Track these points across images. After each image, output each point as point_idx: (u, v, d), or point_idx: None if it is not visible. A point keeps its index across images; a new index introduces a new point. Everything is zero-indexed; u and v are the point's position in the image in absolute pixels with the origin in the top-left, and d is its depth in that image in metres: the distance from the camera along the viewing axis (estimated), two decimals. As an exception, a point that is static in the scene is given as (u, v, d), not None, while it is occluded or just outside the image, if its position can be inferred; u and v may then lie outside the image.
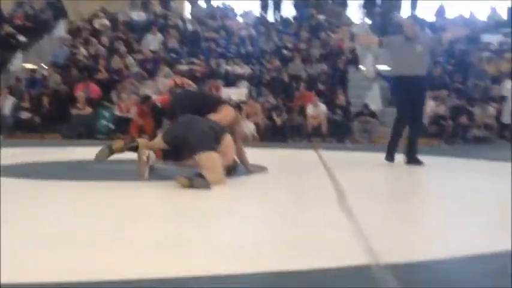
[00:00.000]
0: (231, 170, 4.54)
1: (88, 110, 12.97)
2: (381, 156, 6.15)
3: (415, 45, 5.98)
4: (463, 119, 12.50)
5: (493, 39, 16.40)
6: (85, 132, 12.71)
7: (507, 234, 2.57)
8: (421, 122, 6.43)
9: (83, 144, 9.80)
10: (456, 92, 13.43)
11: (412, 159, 6.00)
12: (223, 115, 4.63)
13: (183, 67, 14.69)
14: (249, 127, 4.80)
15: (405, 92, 5.97)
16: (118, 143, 4.55)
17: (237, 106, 12.08)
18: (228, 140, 4.37)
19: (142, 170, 4.33)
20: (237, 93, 13.74)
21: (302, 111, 12.62)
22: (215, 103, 4.82)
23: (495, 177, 5.13)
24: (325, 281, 1.79)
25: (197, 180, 3.92)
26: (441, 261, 2.04)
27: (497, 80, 13.51)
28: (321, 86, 13.75)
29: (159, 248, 2.18)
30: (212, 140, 4.27)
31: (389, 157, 6.09)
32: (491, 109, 12.49)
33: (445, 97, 12.94)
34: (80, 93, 13.08)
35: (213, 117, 4.54)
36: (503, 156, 7.45)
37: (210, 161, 4.18)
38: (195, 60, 15.26)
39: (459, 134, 12.41)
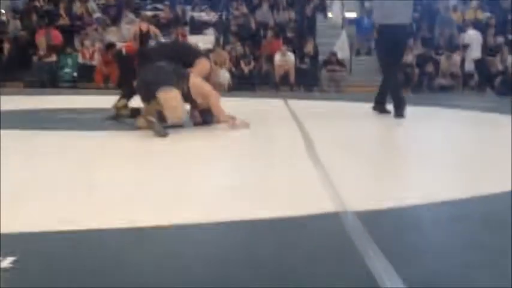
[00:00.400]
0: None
1: (52, 57, 12.59)
2: (349, 105, 6.16)
3: None
4: (429, 68, 12.60)
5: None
6: (48, 80, 12.38)
7: (471, 180, 2.63)
8: (397, 72, 6.19)
9: (46, 93, 9.57)
10: (422, 40, 13.47)
11: (378, 107, 5.93)
12: (199, 69, 4.54)
13: (148, 13, 14.31)
14: (224, 76, 4.72)
15: (389, 42, 5.69)
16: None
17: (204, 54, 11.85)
18: (197, 81, 4.38)
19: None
20: (204, 40, 13.51)
21: (270, 59, 12.52)
22: (191, 56, 4.70)
23: (461, 125, 5.22)
24: (293, 229, 1.81)
25: (156, 125, 3.87)
26: (407, 208, 2.08)
27: (462, 28, 13.59)
28: (289, 34, 13.62)
29: (125, 198, 2.15)
30: (175, 78, 4.24)
31: (379, 106, 5.90)
32: (457, 57, 12.61)
33: (411, 45, 12.98)
34: (41, 38, 12.66)
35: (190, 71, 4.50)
36: (467, 105, 7.58)
37: (170, 98, 4.13)
38: (160, 6, 14.87)
39: (425, 83, 12.53)
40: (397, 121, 5.39)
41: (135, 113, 4.34)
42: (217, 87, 5.08)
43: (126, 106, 4.42)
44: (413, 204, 2.13)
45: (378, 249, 1.53)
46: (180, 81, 4.27)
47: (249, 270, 1.41)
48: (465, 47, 12.81)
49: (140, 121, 4.08)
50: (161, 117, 4.01)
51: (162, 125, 3.93)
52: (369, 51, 13.91)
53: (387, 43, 5.72)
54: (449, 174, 2.88)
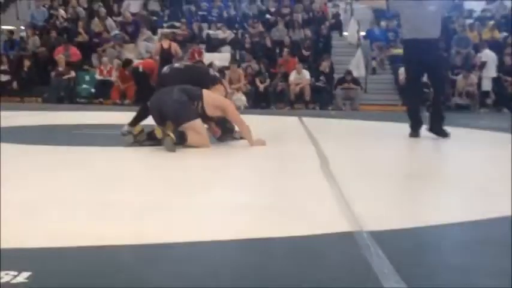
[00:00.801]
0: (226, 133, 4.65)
1: (72, 73, 12.74)
2: (363, 123, 6.14)
3: (426, 5, 5.39)
4: (446, 87, 12.54)
5: (475, 6, 16.37)
6: (66, 96, 12.54)
7: (488, 203, 2.60)
8: (443, 87, 5.85)
9: (63, 109, 9.68)
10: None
11: (435, 129, 5.46)
12: (215, 97, 4.55)
13: (165, 31, 14.46)
14: (241, 100, 4.69)
15: (419, 57, 5.39)
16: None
17: (220, 71, 11.97)
18: (209, 97, 4.42)
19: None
20: (220, 58, 13.61)
21: (285, 77, 12.56)
22: (207, 82, 4.69)
23: (479, 146, 5.18)
24: (308, 247, 1.80)
25: (167, 140, 3.95)
26: (423, 229, 2.06)
27: (478, 47, 13.53)
28: (304, 52, 13.67)
29: (139, 214, 2.16)
30: (189, 103, 4.28)
31: (414, 132, 5.49)
32: (473, 77, 12.54)
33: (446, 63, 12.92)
34: (60, 55, 12.85)
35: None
36: (483, 125, 7.52)
37: (194, 128, 4.23)
38: (177, 24, 15.02)
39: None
40: (413, 140, 5.36)
41: (152, 136, 4.37)
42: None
43: (142, 131, 4.44)
44: (429, 225, 2.11)
45: (393, 269, 1.51)
46: (195, 101, 4.31)
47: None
48: (482, 66, 12.75)
49: (158, 132, 4.15)
50: (183, 137, 4.09)
51: (184, 145, 4.05)
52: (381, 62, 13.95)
53: (413, 59, 5.49)
54: (466, 195, 2.85)
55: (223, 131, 4.70)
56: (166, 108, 4.25)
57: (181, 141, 4.09)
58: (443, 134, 5.36)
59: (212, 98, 4.43)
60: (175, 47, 11.58)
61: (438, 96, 5.72)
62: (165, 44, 11.80)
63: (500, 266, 1.64)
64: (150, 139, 4.35)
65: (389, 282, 1.43)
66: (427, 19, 5.37)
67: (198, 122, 4.29)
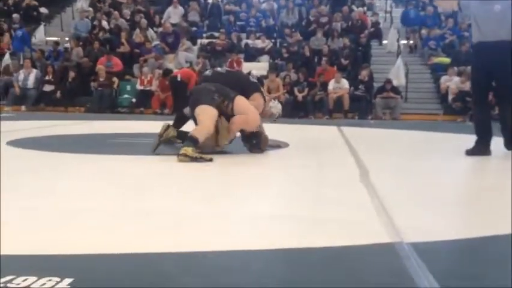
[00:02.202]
0: (255, 140, 4.56)
1: (113, 84, 12.99)
2: (403, 132, 6.03)
3: (493, 4, 4.78)
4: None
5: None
6: (107, 105, 12.79)
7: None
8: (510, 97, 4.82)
9: (105, 118, 9.86)
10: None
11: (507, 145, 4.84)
12: (254, 104, 4.55)
13: (204, 41, 14.64)
14: (277, 107, 4.65)
15: (484, 62, 4.84)
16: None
17: (259, 81, 11.97)
18: (241, 101, 4.37)
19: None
20: (258, 67, 13.66)
21: (324, 86, 12.51)
22: (247, 88, 4.68)
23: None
24: (346, 259, 1.77)
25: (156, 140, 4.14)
26: (462, 241, 2.01)
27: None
28: (343, 61, 13.59)
29: (169, 223, 2.17)
30: (217, 95, 4.29)
31: (482, 149, 4.79)
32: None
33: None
34: (100, 66, 13.13)
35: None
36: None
37: (203, 114, 4.21)
38: (216, 34, 15.17)
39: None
40: (455, 151, 5.24)
41: (182, 135, 4.41)
42: (269, 116, 5.10)
43: (174, 136, 4.51)
44: (470, 237, 2.05)
45: (435, 281, 1.48)
46: (226, 101, 4.31)
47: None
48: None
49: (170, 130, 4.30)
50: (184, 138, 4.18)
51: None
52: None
53: (478, 64, 4.94)
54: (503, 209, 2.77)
55: (252, 142, 4.60)
56: (194, 97, 4.30)
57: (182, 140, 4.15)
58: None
59: (243, 103, 4.39)
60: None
61: (504, 107, 4.92)
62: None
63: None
64: (179, 138, 4.44)
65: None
66: (495, 19, 4.75)
67: (209, 108, 4.23)
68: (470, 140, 5.17)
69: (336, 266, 1.69)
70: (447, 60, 13.84)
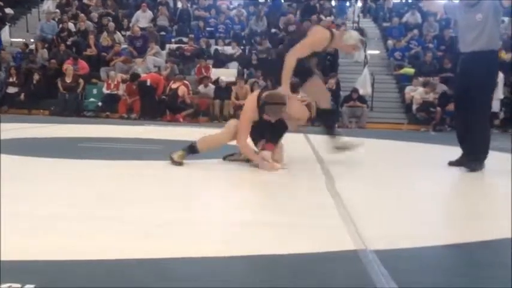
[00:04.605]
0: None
1: (79, 87, 12.84)
2: (369, 141, 6.11)
3: (474, 12, 4.54)
4: (451, 107, 12.54)
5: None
6: (73, 109, 12.62)
7: (490, 224, 2.59)
8: (476, 109, 4.55)
9: (70, 122, 9.73)
10: (445, 79, 13.45)
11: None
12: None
13: (172, 46, 14.58)
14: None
15: (460, 74, 4.74)
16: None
17: (227, 87, 11.92)
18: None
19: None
20: (227, 74, 13.68)
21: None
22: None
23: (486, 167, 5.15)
24: (311, 266, 1.79)
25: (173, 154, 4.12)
26: (427, 249, 2.05)
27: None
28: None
29: (139, 229, 2.16)
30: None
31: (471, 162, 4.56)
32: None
33: (435, 84, 12.96)
34: (68, 66, 12.95)
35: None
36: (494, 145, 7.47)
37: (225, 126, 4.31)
38: (184, 39, 15.13)
39: (447, 121, 12.47)
40: (423, 159, 5.34)
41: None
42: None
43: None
44: (431, 245, 2.10)
45: (398, 289, 1.51)
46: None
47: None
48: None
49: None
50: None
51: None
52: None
53: (457, 74, 4.85)
54: (471, 216, 2.84)
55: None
56: None
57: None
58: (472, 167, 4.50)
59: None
60: (184, 90, 11.96)
61: (471, 120, 4.64)
62: (175, 84, 12.14)
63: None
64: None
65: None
66: (473, 28, 4.55)
67: (231, 121, 4.35)
68: (434, 149, 5.30)
69: (301, 273, 1.71)
70: (412, 70, 14.12)
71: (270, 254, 1.88)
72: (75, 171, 3.85)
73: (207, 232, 2.17)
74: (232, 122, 4.34)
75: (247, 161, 4.33)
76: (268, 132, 4.26)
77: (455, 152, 4.96)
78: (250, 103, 4.28)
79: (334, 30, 4.44)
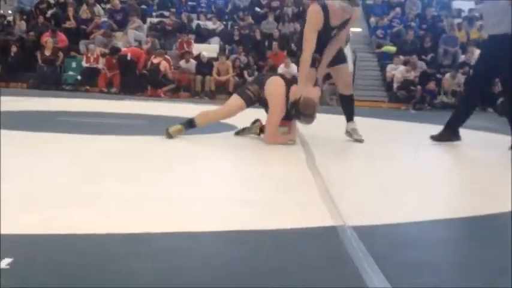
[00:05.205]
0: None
1: (59, 56, 12.65)
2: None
3: None
4: (432, 85, 12.63)
5: (464, 5, 16.48)
6: (51, 82, 12.44)
7: (467, 201, 2.64)
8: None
9: (48, 95, 9.60)
10: (426, 58, 13.52)
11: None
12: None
13: (154, 20, 14.40)
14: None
15: (484, 57, 4.83)
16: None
17: (208, 63, 11.86)
18: (269, 86, 4.24)
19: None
20: (208, 49, 13.57)
21: (273, 70, 12.56)
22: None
23: (461, 145, 5.22)
24: (290, 241, 1.81)
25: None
26: (404, 225, 2.08)
27: (466, 47, 13.63)
28: (293, 46, 13.66)
29: (123, 204, 2.16)
30: (248, 87, 4.37)
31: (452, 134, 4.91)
32: (460, 76, 12.64)
33: (415, 62, 13.03)
34: (47, 39, 12.73)
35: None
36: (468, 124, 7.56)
37: (225, 103, 4.43)
38: (166, 13, 14.95)
39: (427, 100, 12.57)
40: (401, 136, 5.39)
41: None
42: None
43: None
44: (409, 222, 2.13)
45: (375, 264, 1.53)
46: (259, 87, 4.31)
47: (245, 280, 1.42)
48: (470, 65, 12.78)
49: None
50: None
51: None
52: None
53: (481, 59, 4.92)
54: (450, 192, 2.88)
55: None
56: None
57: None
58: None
59: (269, 88, 4.28)
60: (165, 65, 11.83)
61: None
62: (156, 59, 12.01)
63: (485, 263, 1.66)
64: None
65: (371, 278, 1.44)
66: (497, 12, 4.62)
67: (234, 99, 4.40)
68: (415, 127, 5.34)
69: (280, 249, 1.73)
70: (393, 49, 14.15)
71: (250, 229, 1.89)
72: (53, 145, 3.81)
73: (188, 207, 2.17)
74: (234, 99, 4.36)
75: (259, 133, 4.51)
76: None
77: (435, 130, 5.02)
78: (279, 101, 4.19)
79: (327, 1, 4.38)
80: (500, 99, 12.00)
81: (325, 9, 4.33)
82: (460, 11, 16.24)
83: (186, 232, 1.82)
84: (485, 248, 1.86)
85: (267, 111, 4.32)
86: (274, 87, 4.23)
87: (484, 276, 1.55)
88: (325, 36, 4.42)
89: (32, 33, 13.31)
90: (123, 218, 1.96)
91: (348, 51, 13.98)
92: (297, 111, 4.11)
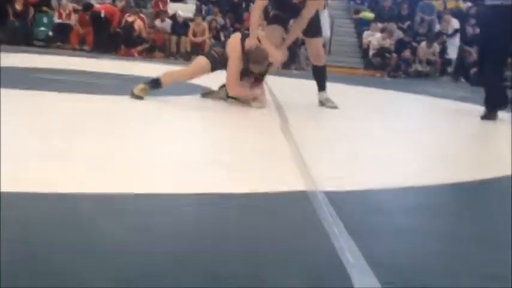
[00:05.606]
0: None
1: (30, 13, 12.29)
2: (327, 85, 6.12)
3: None
4: (407, 54, 12.68)
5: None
6: (22, 38, 12.09)
7: (439, 168, 2.68)
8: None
9: (20, 51, 9.36)
10: (403, 26, 13.52)
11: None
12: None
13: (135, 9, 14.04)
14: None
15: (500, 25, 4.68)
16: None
17: (184, 23, 11.68)
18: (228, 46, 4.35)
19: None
20: (185, 9, 13.33)
21: (250, 33, 12.43)
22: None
23: (433, 114, 5.29)
24: (262, 205, 1.82)
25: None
26: (376, 192, 2.10)
27: (442, 16, 13.67)
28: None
29: (93, 164, 2.13)
30: (213, 49, 4.45)
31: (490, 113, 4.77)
32: (436, 45, 12.71)
33: (392, 30, 13.03)
34: (17, -5, 12.32)
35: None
36: (442, 93, 7.64)
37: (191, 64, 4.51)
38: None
39: (402, 68, 12.63)
40: (370, 102, 5.42)
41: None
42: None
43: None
44: (384, 188, 2.15)
45: (344, 228, 1.55)
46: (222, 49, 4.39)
47: (213, 244, 1.42)
48: (454, 33, 12.85)
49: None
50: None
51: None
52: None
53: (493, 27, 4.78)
54: (419, 160, 2.92)
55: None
56: None
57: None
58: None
59: (228, 47, 4.35)
60: (140, 24, 11.57)
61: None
62: (130, 18, 11.73)
63: (447, 229, 1.70)
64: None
65: (339, 241, 1.46)
66: None
67: (199, 59, 4.48)
68: (389, 94, 5.36)
69: (250, 212, 1.73)
70: (371, 15, 14.11)
71: (220, 192, 1.89)
72: (26, 103, 3.73)
73: (157, 169, 2.15)
74: (199, 60, 4.39)
75: (226, 99, 4.44)
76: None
77: (409, 97, 5.06)
78: (235, 52, 4.27)
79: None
80: (473, 69, 12.15)
81: None
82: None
83: (155, 194, 1.81)
84: (457, 215, 1.89)
85: None
86: (231, 40, 4.42)
87: (453, 245, 1.57)
88: None
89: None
90: (91, 177, 1.93)
91: (325, 16, 13.93)
92: (247, 59, 4.23)
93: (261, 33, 4.46)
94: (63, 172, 1.96)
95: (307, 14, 4.48)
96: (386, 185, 2.19)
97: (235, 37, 4.41)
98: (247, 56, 4.22)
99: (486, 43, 4.87)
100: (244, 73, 4.32)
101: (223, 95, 4.49)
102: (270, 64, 4.36)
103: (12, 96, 3.92)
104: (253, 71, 4.31)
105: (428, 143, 3.55)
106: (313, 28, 4.70)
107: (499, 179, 2.45)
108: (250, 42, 4.25)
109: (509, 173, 2.52)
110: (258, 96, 4.33)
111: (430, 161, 2.94)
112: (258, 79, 4.42)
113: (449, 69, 12.69)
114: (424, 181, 2.34)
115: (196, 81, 4.61)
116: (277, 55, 4.35)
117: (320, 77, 4.86)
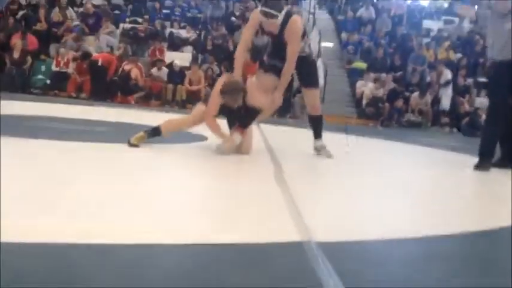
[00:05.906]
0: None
1: (28, 62, 12.43)
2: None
3: (504, 22, 4.76)
4: (399, 103, 12.84)
5: (433, 25, 16.86)
6: (20, 85, 12.20)
7: (435, 219, 2.69)
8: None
9: (17, 98, 9.43)
10: (394, 76, 13.74)
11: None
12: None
13: (126, 26, 14.29)
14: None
15: (499, 82, 4.85)
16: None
17: (181, 72, 11.81)
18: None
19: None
20: (181, 58, 13.54)
21: (245, 81, 12.58)
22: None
23: (427, 163, 5.33)
24: (255, 256, 1.82)
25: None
26: (372, 243, 2.11)
27: (434, 66, 13.91)
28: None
29: (84, 213, 2.14)
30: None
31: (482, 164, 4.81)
32: (428, 96, 12.88)
33: (384, 80, 13.23)
34: (16, 41, 12.50)
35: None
36: (435, 143, 7.70)
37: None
38: (139, 19, 14.87)
39: (394, 118, 12.76)
40: (364, 151, 5.45)
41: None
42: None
43: None
44: (378, 239, 2.16)
45: (339, 281, 1.55)
46: None
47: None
48: (447, 83, 13.02)
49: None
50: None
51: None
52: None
53: (496, 84, 4.93)
54: (413, 211, 2.94)
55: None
56: None
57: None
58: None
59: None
60: (136, 73, 11.79)
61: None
62: (128, 66, 11.94)
63: (445, 282, 1.70)
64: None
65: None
66: (504, 38, 4.77)
67: (198, 106, 4.54)
68: (384, 143, 5.40)
69: (243, 263, 1.73)
70: (363, 65, 14.36)
71: (213, 243, 1.89)
72: (20, 150, 3.74)
73: (149, 218, 2.15)
74: (199, 107, 4.41)
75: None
76: (238, 117, 4.35)
77: (402, 147, 5.11)
78: (216, 87, 4.37)
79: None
80: (465, 120, 12.29)
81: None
82: (429, 30, 16.59)
83: (147, 244, 1.80)
84: (452, 267, 1.90)
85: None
86: (218, 80, 4.56)
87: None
88: (276, 42, 4.76)
89: (1, 34, 13.06)
90: (81, 227, 1.93)
91: (319, 65, 14.17)
92: (222, 92, 4.27)
93: (252, 79, 4.53)
94: (52, 222, 1.96)
95: (291, 53, 4.59)
96: (382, 236, 2.20)
97: (222, 77, 4.57)
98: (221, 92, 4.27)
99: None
100: (225, 110, 4.35)
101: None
102: (259, 111, 4.39)
103: (3, 143, 3.94)
104: (225, 102, 4.28)
105: (423, 193, 3.58)
106: (311, 78, 4.77)
107: (496, 231, 2.47)
108: (227, 75, 4.41)
109: (507, 224, 2.53)
110: (229, 139, 4.27)
111: (426, 211, 2.95)
112: (242, 125, 4.35)
113: (443, 119, 12.81)
114: (419, 232, 2.34)
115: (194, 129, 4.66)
116: (259, 98, 4.35)
117: (316, 125, 4.91)
